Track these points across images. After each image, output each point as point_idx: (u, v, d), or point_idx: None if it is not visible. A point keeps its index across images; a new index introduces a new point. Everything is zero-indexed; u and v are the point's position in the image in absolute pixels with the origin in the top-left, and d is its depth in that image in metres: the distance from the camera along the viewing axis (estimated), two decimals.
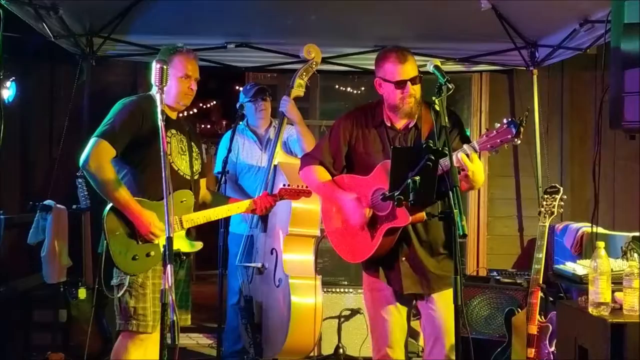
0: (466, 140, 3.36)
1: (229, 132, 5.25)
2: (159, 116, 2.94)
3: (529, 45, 5.84)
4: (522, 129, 2.90)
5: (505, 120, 2.95)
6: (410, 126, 3.40)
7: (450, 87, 3.00)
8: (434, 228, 3.36)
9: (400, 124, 3.43)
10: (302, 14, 5.39)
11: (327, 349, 5.31)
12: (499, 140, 2.96)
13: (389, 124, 3.43)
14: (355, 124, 3.50)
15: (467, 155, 3.04)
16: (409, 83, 3.30)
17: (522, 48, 5.84)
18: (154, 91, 3.53)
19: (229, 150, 4.74)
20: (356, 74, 6.98)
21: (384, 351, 3.48)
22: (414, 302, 3.51)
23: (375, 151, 3.41)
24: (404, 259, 3.38)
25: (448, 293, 3.35)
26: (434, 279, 3.37)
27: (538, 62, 5.96)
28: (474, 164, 3.06)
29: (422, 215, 3.15)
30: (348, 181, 3.48)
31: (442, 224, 3.37)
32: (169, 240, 2.72)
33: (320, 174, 3.53)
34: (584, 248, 5.11)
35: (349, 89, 7.81)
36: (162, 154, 2.86)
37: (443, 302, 3.34)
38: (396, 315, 3.47)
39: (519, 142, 2.94)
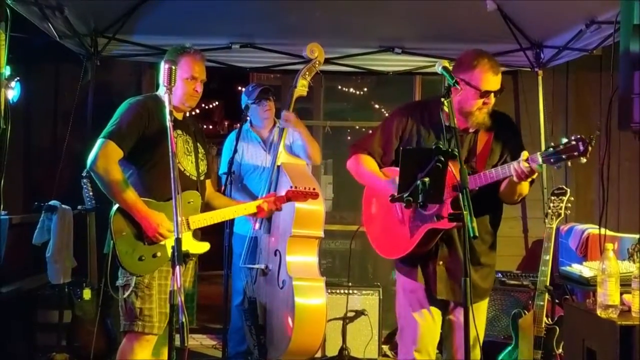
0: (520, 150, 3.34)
1: (233, 133, 5.24)
2: (167, 117, 2.94)
3: (534, 46, 5.83)
4: (590, 148, 2.88)
5: (573, 137, 2.92)
6: (470, 130, 3.36)
7: (459, 88, 2.97)
8: (480, 236, 3.26)
9: (459, 125, 3.32)
10: (307, 14, 5.38)
11: (332, 351, 5.31)
12: (564, 156, 2.93)
13: (447, 124, 3.32)
14: (410, 119, 3.45)
15: (532, 169, 3.01)
16: (492, 94, 3.27)
17: (527, 49, 5.83)
18: (161, 91, 3.54)
19: (235, 151, 4.73)
20: (360, 75, 6.97)
21: (411, 355, 3.44)
22: (446, 309, 3.46)
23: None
24: (441, 262, 3.34)
25: (479, 305, 3.38)
26: (474, 288, 3.25)
27: (543, 63, 5.94)
28: (531, 177, 3.06)
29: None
30: (394, 173, 3.38)
31: (489, 234, 3.40)
32: (178, 241, 2.71)
33: (368, 162, 3.50)
34: (589, 250, 5.09)
35: (352, 89, 7.80)
36: (170, 154, 2.85)
37: (476, 312, 3.17)
38: (428, 318, 3.42)
39: (585, 160, 2.91)
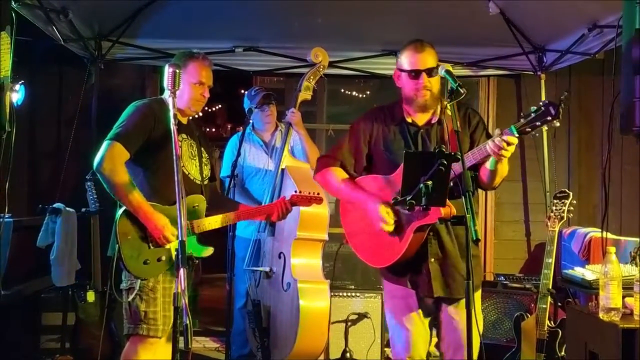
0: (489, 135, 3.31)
1: (235, 136, 5.26)
2: (172, 120, 2.95)
3: (536, 50, 5.84)
4: (561, 110, 2.87)
5: (542, 102, 2.92)
6: (433, 122, 3.33)
7: (462, 91, 2.98)
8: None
9: (421, 119, 3.35)
10: (310, 18, 5.40)
11: (334, 353, 5.31)
12: (538, 123, 2.91)
13: (409, 121, 3.36)
14: (374, 123, 3.43)
15: (507, 143, 2.96)
16: (423, 74, 3.24)
17: (529, 53, 5.84)
18: (166, 95, 3.55)
19: (238, 154, 4.74)
20: (363, 78, 6.98)
21: None
22: (438, 310, 3.39)
23: (397, 148, 3.32)
24: (433, 260, 3.28)
25: (476, 297, 3.30)
26: (462, 282, 3.14)
27: (546, 67, 5.95)
28: (511, 149, 3.00)
29: (452, 209, 3.08)
30: (371, 182, 3.38)
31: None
32: (182, 244, 2.72)
33: (340, 175, 3.44)
34: (591, 253, 5.10)
35: (354, 92, 7.81)
36: (175, 158, 2.86)
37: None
38: (419, 324, 3.38)
39: (558, 124, 2.90)
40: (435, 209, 3.04)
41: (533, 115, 2.93)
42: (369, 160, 3.46)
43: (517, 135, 2.97)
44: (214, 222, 3.59)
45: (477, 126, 3.38)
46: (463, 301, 3.12)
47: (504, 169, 3.21)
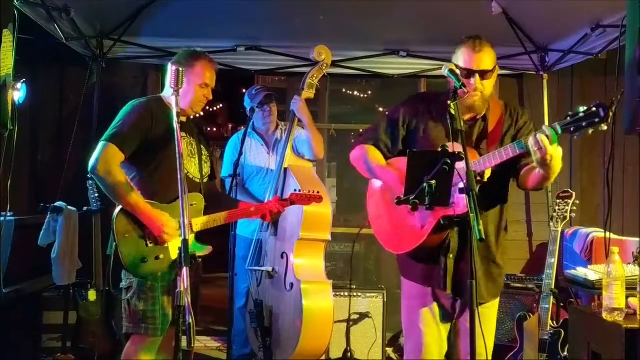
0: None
1: (236, 136, 5.25)
2: (174, 119, 2.94)
3: (539, 50, 5.83)
4: (611, 113, 2.72)
5: (593, 103, 2.76)
6: (477, 118, 3.21)
7: (466, 91, 2.95)
8: (494, 230, 3.19)
9: (466, 115, 3.22)
10: (313, 17, 5.39)
11: (336, 353, 5.31)
12: (584, 123, 2.77)
13: (454, 113, 3.17)
14: (418, 109, 3.33)
15: (548, 137, 2.80)
16: (477, 75, 3.12)
17: (532, 52, 5.83)
18: (165, 93, 3.55)
19: (240, 154, 4.72)
20: (365, 78, 6.98)
21: None
22: (455, 316, 3.29)
23: (436, 138, 3.21)
24: (451, 255, 3.18)
25: (490, 307, 3.27)
26: (480, 286, 3.03)
27: (548, 67, 5.94)
28: (554, 148, 2.84)
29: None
30: (403, 164, 3.18)
31: (502, 229, 3.26)
32: (185, 242, 2.71)
33: (372, 152, 3.35)
34: (594, 253, 5.10)
35: (357, 92, 7.81)
36: (177, 156, 2.85)
37: (483, 318, 2.90)
38: (433, 327, 3.27)
39: (606, 127, 2.75)
40: (464, 201, 2.90)
41: (581, 114, 2.78)
42: (404, 144, 3.36)
43: (560, 132, 2.83)
44: (212, 220, 3.57)
45: (522, 125, 3.26)
46: (482, 310, 2.99)
47: (554, 165, 2.97)
